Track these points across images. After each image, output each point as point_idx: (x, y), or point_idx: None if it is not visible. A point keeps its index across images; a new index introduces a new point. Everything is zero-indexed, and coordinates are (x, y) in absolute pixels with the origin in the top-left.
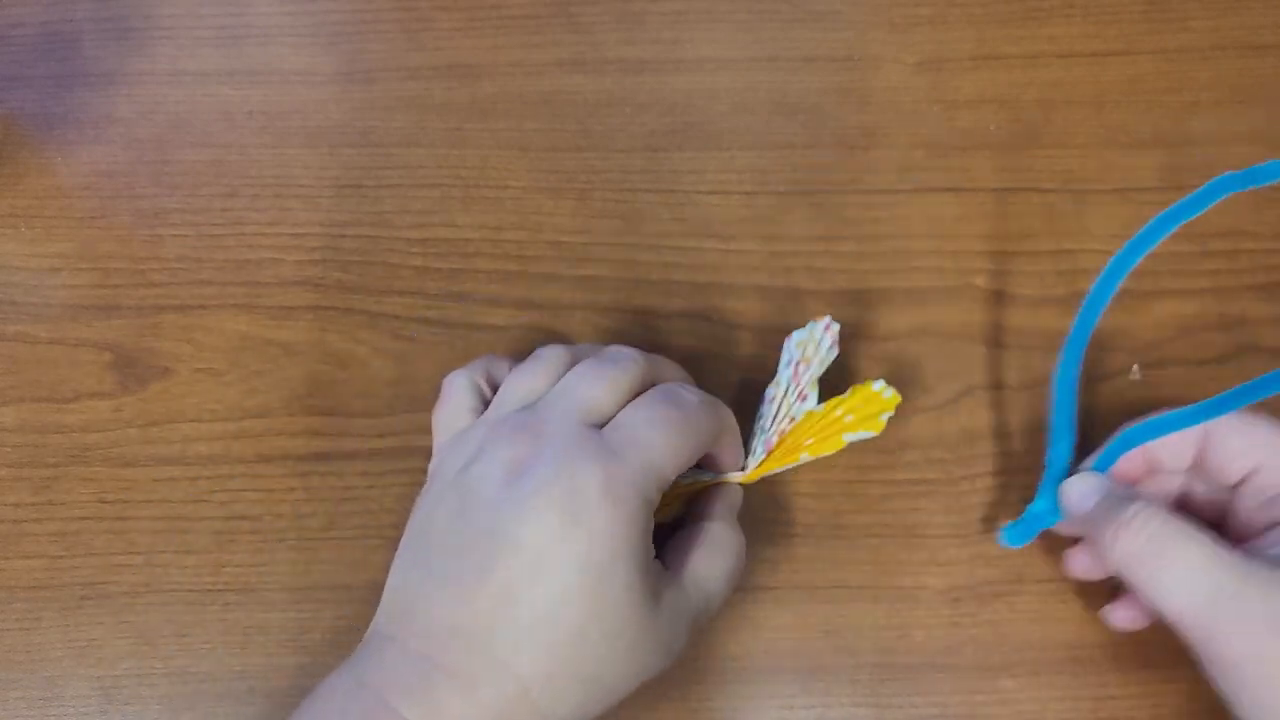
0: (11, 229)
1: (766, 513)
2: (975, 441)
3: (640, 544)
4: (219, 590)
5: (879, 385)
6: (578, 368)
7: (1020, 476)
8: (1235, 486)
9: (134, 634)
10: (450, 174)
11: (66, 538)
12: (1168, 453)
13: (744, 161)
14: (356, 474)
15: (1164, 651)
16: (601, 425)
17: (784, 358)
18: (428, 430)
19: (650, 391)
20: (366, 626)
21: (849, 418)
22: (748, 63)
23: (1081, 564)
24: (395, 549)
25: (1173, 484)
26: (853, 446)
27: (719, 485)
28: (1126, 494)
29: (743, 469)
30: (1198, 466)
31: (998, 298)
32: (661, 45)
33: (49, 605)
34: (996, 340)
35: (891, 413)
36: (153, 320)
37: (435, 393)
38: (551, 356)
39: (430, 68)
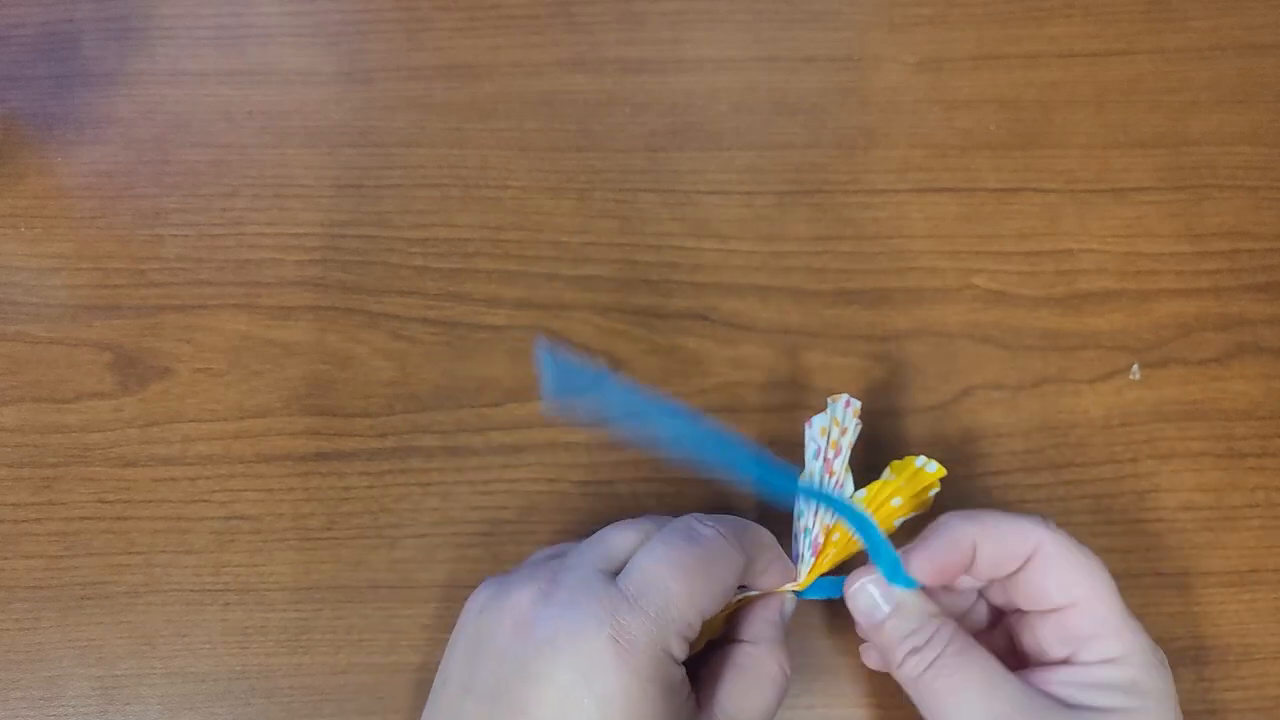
0: (11, 229)
1: (757, 516)
2: (975, 441)
3: (660, 702)
4: (219, 590)
5: (921, 461)
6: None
7: (1020, 476)
8: (1044, 613)
9: (134, 634)
10: (450, 174)
11: (66, 538)
12: (991, 559)
13: (744, 161)
14: (356, 474)
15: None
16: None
17: (809, 449)
18: (428, 430)
19: (665, 528)
20: (366, 626)
21: (896, 501)
22: (748, 63)
23: (875, 660)
24: (395, 549)
25: (975, 585)
26: (853, 448)
27: (762, 597)
28: (917, 609)
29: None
30: (1013, 580)
31: (998, 298)
32: (661, 45)
33: (49, 605)
34: (996, 340)
35: (938, 489)
36: (153, 320)
37: (435, 393)
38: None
39: (430, 68)
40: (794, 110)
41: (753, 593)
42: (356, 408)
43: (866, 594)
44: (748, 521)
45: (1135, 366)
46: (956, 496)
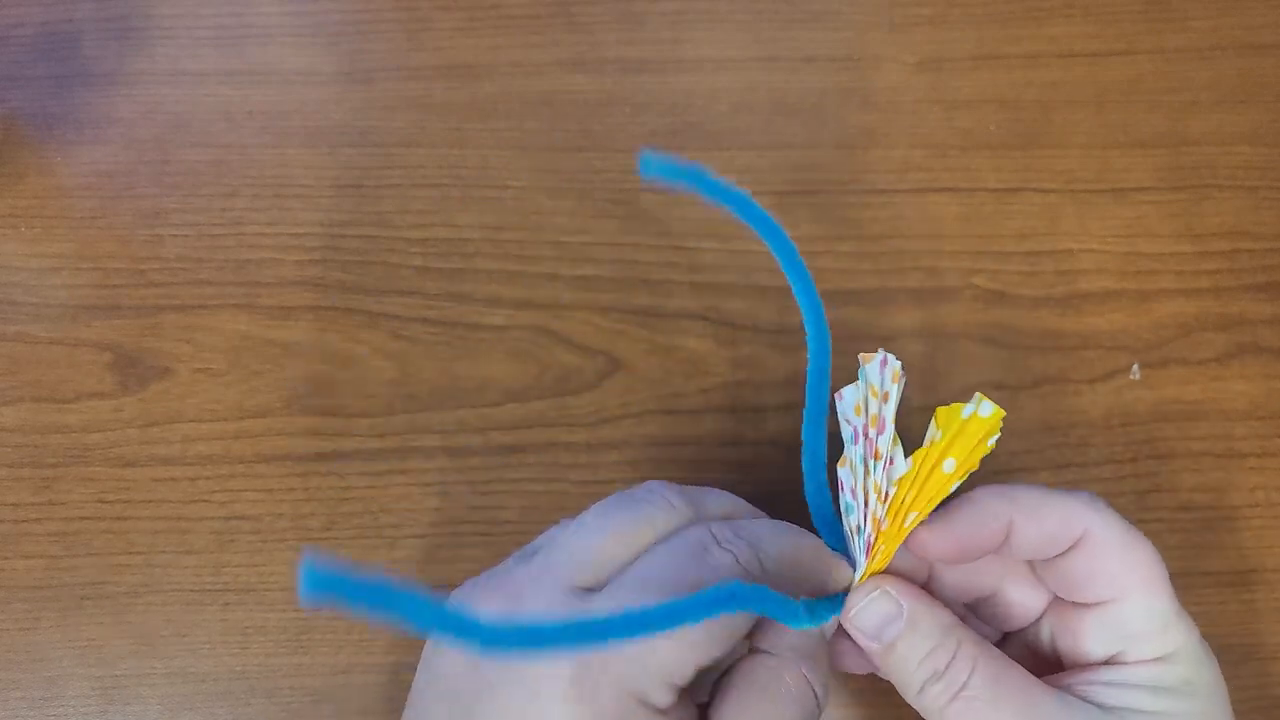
0: (11, 229)
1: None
2: None
3: None
4: (219, 590)
5: (972, 407)
6: (585, 513)
7: (1020, 476)
8: (1087, 606)
9: (134, 634)
10: (450, 174)
11: (66, 538)
12: (1031, 542)
13: (744, 161)
14: (356, 474)
15: None
16: (600, 587)
17: (845, 431)
18: (428, 430)
19: (669, 542)
20: (366, 626)
21: (949, 465)
22: (748, 63)
23: (854, 661)
24: (395, 549)
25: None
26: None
27: None
28: (934, 622)
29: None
30: (1053, 567)
31: (998, 298)
32: (661, 45)
33: (49, 605)
34: (996, 340)
35: (999, 433)
36: (153, 320)
37: (435, 393)
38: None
39: (430, 68)
40: (794, 110)
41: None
42: (356, 408)
43: (872, 611)
44: (788, 530)
45: (1135, 366)
46: (957, 496)
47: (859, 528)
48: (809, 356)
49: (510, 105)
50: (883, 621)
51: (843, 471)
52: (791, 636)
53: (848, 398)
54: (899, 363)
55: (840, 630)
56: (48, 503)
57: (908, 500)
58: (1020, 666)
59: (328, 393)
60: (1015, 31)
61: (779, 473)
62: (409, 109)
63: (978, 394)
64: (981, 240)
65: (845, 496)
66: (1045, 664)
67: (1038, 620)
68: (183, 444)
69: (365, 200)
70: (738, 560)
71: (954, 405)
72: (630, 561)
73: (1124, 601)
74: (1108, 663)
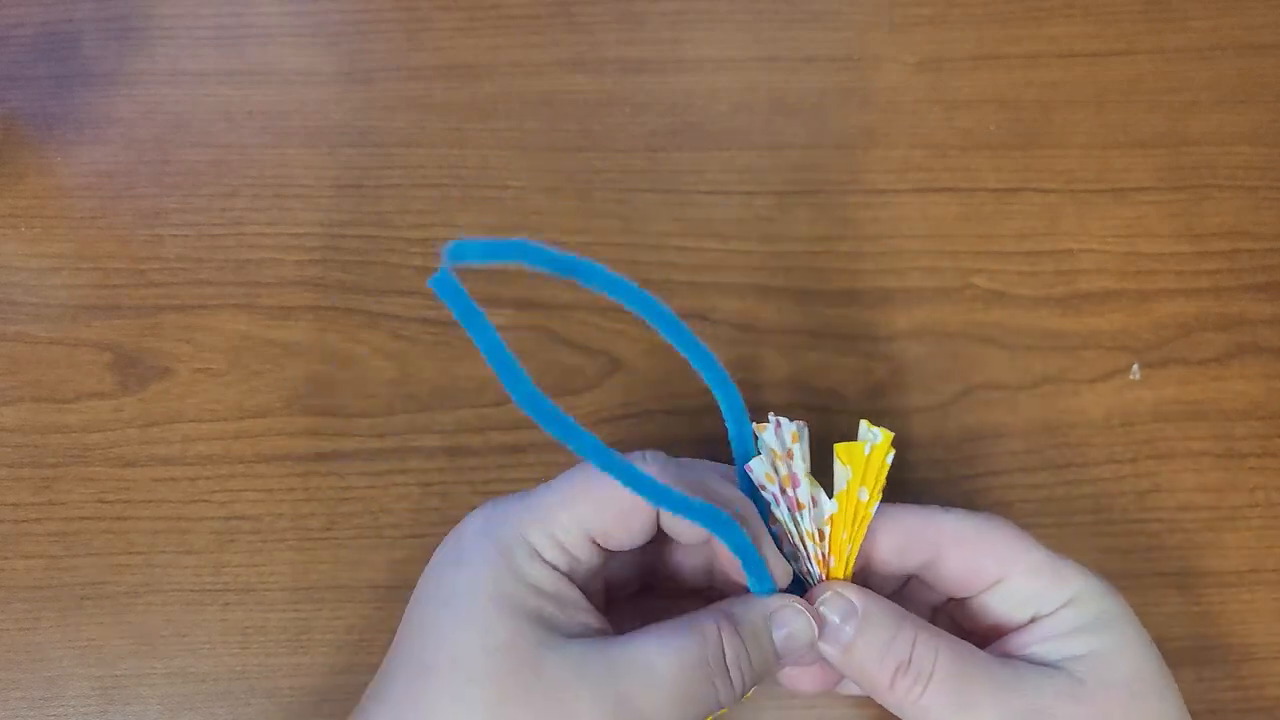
0: (11, 229)
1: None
2: (975, 441)
3: (514, 602)
4: (219, 590)
5: (863, 436)
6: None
7: (1020, 476)
8: (987, 591)
9: (134, 634)
10: (450, 174)
11: (66, 538)
12: (891, 554)
13: (744, 161)
14: (356, 474)
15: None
16: None
17: (764, 496)
18: (428, 430)
19: None
20: (366, 626)
21: (863, 494)
22: (748, 63)
23: (808, 679)
24: (395, 549)
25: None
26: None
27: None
28: (886, 613)
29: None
30: (932, 574)
31: (998, 298)
32: (661, 45)
33: (49, 605)
34: (996, 340)
35: (893, 452)
36: (153, 320)
37: (435, 393)
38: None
39: (430, 68)
40: (794, 110)
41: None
42: (356, 408)
43: (828, 610)
44: (717, 471)
45: (1135, 366)
46: (957, 496)
47: (809, 571)
48: (728, 427)
49: (510, 105)
50: (839, 618)
51: (774, 529)
52: (734, 605)
53: (756, 469)
54: (794, 424)
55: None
56: (48, 503)
57: (843, 535)
58: (971, 644)
59: (328, 393)
60: (1015, 31)
61: None
62: (409, 109)
63: (863, 422)
64: (981, 240)
65: (785, 550)
66: (980, 634)
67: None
68: (183, 444)
69: (365, 200)
70: (638, 463)
71: (852, 443)
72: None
73: (1009, 577)
74: (1032, 620)
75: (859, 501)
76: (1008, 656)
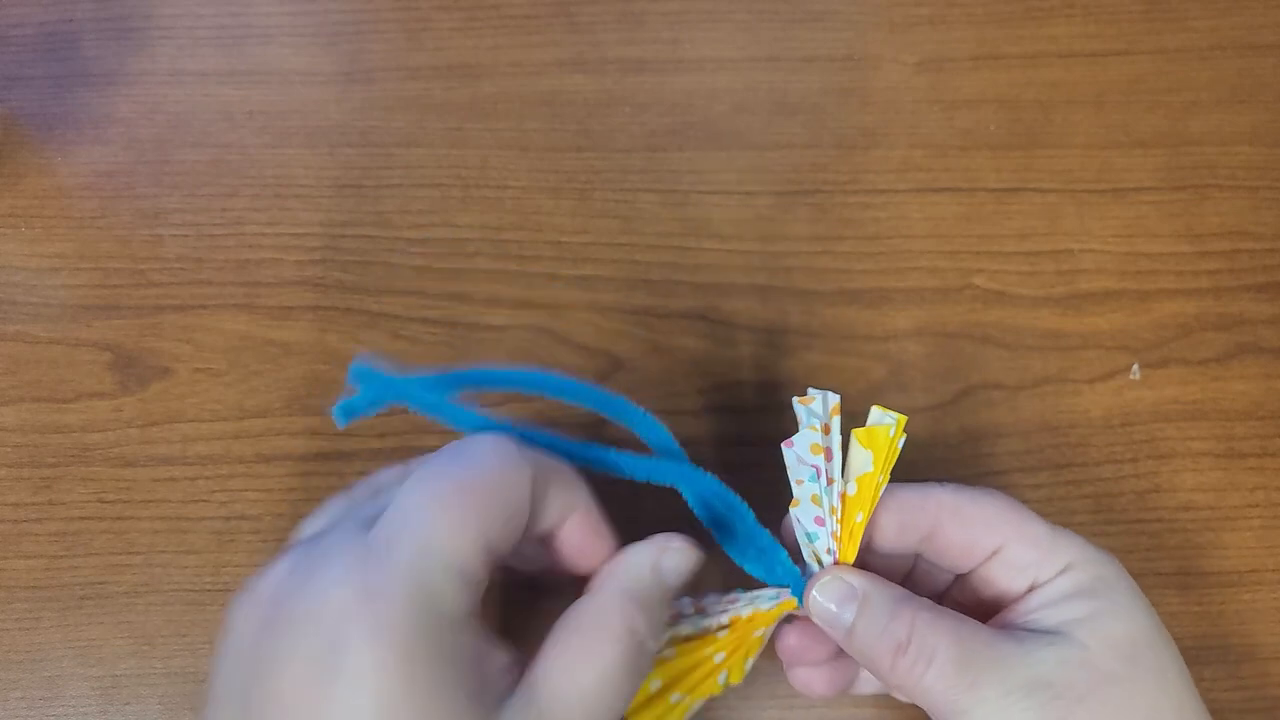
0: (11, 229)
1: (761, 514)
2: (975, 441)
3: (435, 669)
4: (219, 590)
5: (877, 419)
6: (416, 480)
7: (1020, 476)
8: (985, 562)
9: (134, 634)
10: (450, 174)
11: (66, 538)
12: (892, 532)
13: (744, 161)
14: (356, 474)
15: None
16: None
17: (801, 472)
18: (428, 430)
19: (429, 455)
20: None
21: (881, 477)
22: (748, 63)
23: (820, 681)
24: None
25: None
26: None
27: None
28: (885, 596)
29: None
30: (934, 549)
31: (998, 298)
32: (661, 45)
33: (49, 605)
34: (996, 340)
35: (904, 436)
36: (153, 320)
37: None
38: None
39: (430, 68)
40: (794, 110)
41: (743, 600)
42: None
43: (829, 592)
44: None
45: (1135, 366)
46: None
47: (829, 549)
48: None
49: (510, 105)
50: (839, 601)
51: (795, 511)
52: (624, 580)
53: (799, 443)
54: (836, 396)
55: (801, 653)
56: (48, 503)
57: (857, 517)
58: (973, 620)
59: (328, 393)
60: (1015, 31)
61: (779, 473)
62: (409, 109)
63: (875, 407)
64: (981, 240)
65: (805, 529)
66: (985, 607)
67: (961, 575)
68: (183, 444)
69: (365, 200)
70: (495, 445)
71: (872, 428)
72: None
73: (1006, 546)
74: (1031, 589)
75: (873, 484)
76: (1011, 628)
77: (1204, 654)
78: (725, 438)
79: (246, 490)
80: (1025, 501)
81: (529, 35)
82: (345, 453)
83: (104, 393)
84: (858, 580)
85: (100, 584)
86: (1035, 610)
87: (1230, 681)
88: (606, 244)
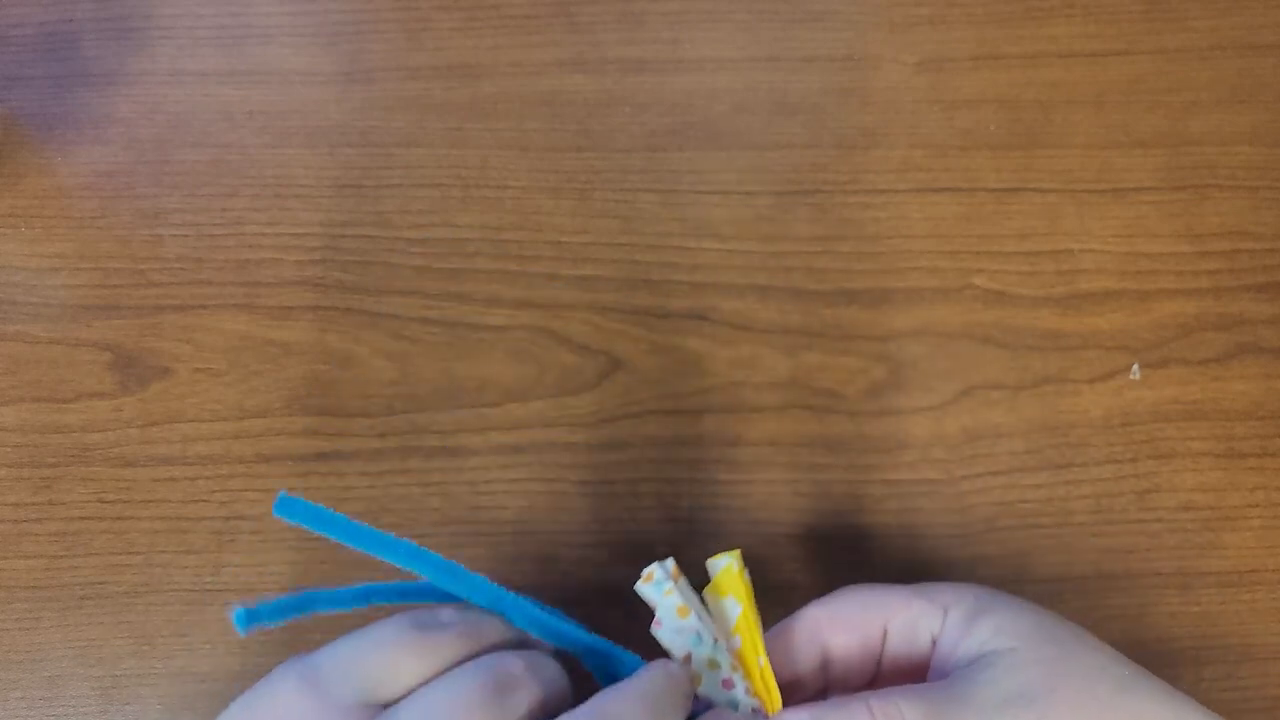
0: (11, 229)
1: (761, 514)
2: (975, 441)
3: None
4: (219, 590)
5: (718, 563)
6: (370, 630)
7: (1020, 476)
8: (886, 651)
9: (134, 634)
10: (450, 174)
11: (66, 538)
12: (842, 648)
13: (744, 161)
14: (356, 474)
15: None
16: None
17: (685, 642)
18: (428, 430)
19: (467, 665)
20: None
21: (753, 615)
22: (748, 63)
23: None
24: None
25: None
26: (851, 446)
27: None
28: (838, 710)
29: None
30: (830, 657)
31: (998, 298)
32: (661, 45)
33: (49, 605)
34: (996, 340)
35: (743, 565)
36: (153, 320)
37: (435, 393)
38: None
39: (430, 68)
40: (794, 110)
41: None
42: (356, 408)
43: None
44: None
45: (1135, 366)
46: (957, 496)
47: (754, 709)
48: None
49: (510, 105)
50: None
51: (702, 690)
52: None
53: (665, 619)
54: (671, 559)
55: None
56: (48, 503)
57: (760, 662)
58: (921, 684)
59: (328, 393)
60: (1015, 31)
61: (779, 473)
62: (409, 109)
63: (708, 561)
64: (981, 240)
65: (724, 697)
66: (915, 678)
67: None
68: (183, 444)
69: (365, 200)
70: (529, 666)
71: (717, 579)
72: (421, 679)
73: (889, 623)
74: (933, 642)
75: (751, 623)
76: (946, 676)
77: (1204, 654)
78: (725, 438)
79: (246, 490)
80: (1025, 502)
81: (529, 35)
82: (345, 453)
83: (104, 393)
84: (807, 714)
85: (100, 584)
86: (950, 653)
87: (1230, 681)
88: (606, 244)
